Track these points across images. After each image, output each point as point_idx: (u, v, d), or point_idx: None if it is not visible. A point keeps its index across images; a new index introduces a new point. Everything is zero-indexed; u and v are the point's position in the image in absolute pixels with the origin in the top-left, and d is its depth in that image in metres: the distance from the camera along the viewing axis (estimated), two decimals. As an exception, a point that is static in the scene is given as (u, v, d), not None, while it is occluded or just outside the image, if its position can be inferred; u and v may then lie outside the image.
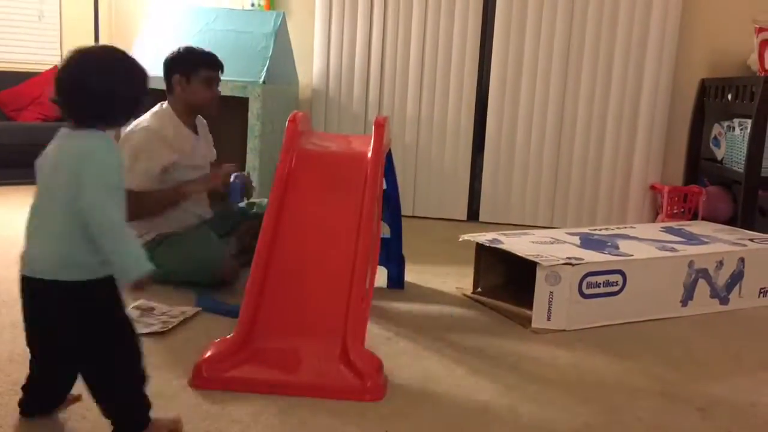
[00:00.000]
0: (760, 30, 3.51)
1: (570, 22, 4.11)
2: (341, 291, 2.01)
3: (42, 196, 1.46)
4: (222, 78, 3.60)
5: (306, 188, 2.21)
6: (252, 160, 3.65)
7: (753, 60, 3.80)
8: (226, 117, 4.24)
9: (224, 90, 3.61)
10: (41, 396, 1.59)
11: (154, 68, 3.63)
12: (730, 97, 3.69)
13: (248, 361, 1.88)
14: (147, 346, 2.04)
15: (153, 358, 1.97)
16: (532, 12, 4.12)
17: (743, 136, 3.44)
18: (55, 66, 4.91)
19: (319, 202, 2.19)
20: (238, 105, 3.78)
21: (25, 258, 1.45)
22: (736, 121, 3.57)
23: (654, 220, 4.12)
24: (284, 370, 1.87)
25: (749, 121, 3.35)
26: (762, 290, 2.83)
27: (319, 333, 1.97)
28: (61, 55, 5.21)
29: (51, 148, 1.49)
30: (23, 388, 1.58)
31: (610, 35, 4.09)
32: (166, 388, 1.79)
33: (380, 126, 2.34)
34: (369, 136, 2.44)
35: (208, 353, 1.87)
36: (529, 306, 2.42)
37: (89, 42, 4.39)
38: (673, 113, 4.17)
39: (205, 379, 1.81)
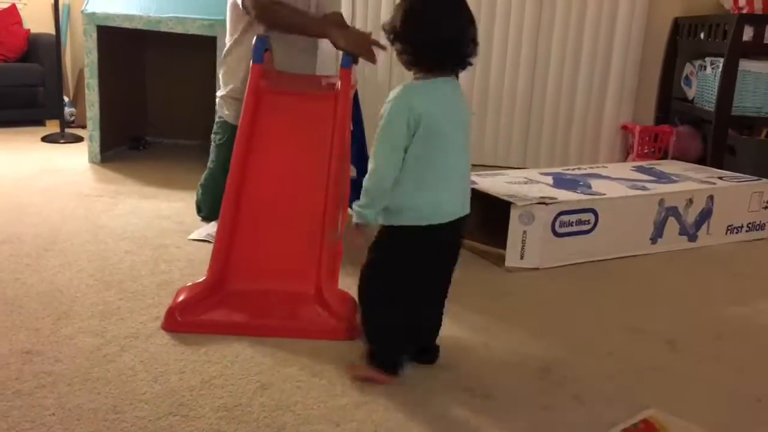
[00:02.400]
0: (735, -33, 3.49)
1: (544, -42, 4.03)
2: (314, 232, 2.01)
3: (461, 146, 1.60)
4: (188, 16, 3.51)
5: (273, 130, 2.17)
6: (221, 102, 3.57)
7: (726, -2, 3.79)
8: (193, 57, 4.15)
9: (191, 29, 3.51)
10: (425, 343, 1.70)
11: (115, 6, 3.53)
12: (702, 35, 3.67)
13: (221, 304, 1.88)
14: (120, 288, 2.04)
15: (124, 302, 1.97)
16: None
17: (714, 75, 3.44)
18: (13, 4, 4.74)
19: (288, 144, 2.17)
20: (207, 44, 3.67)
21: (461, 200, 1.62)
22: (708, 60, 3.57)
23: (625, 159, 4.15)
24: (259, 312, 1.87)
25: (721, 60, 3.35)
26: (729, 227, 2.88)
27: (292, 274, 1.97)
28: (18, -7, 5.00)
29: (453, 99, 1.57)
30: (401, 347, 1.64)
31: (584, -28, 4.03)
32: (141, 329, 1.78)
33: (347, 73, 2.29)
34: (335, 76, 2.40)
35: (181, 297, 1.86)
36: (503, 245, 2.44)
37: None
38: (646, 53, 4.15)
39: (178, 323, 1.80)
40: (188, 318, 1.81)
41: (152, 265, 2.28)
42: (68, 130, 4.41)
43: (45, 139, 4.29)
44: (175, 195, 3.17)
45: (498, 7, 4.11)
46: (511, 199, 2.38)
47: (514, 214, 2.37)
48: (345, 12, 4.08)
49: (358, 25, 4.18)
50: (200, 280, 1.94)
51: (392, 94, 1.55)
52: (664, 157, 3.95)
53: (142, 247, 2.45)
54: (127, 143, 4.13)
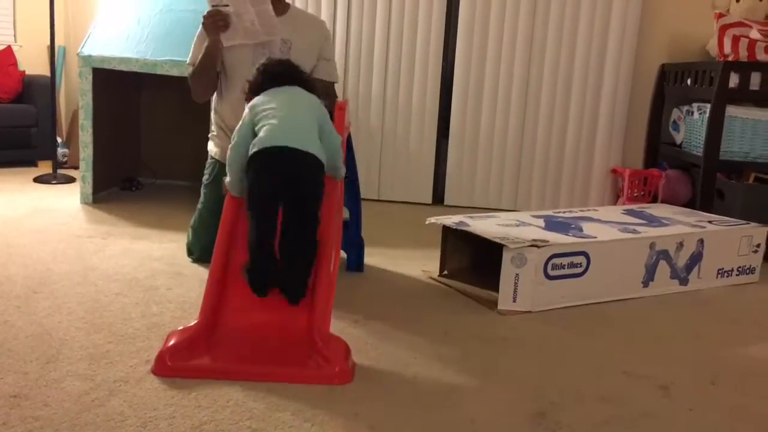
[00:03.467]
0: (720, 16, 3.57)
1: (533, 8, 4.12)
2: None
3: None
4: (184, 59, 3.55)
5: None
6: (215, 144, 3.59)
7: (712, 45, 3.87)
8: (187, 98, 4.18)
9: (185, 71, 3.55)
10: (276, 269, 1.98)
11: (114, 50, 3.57)
12: (689, 81, 3.75)
13: (212, 349, 1.86)
14: (110, 331, 2.02)
15: (114, 345, 1.95)
16: (497, -4, 4.13)
17: (702, 120, 3.50)
18: (9, 46, 4.79)
19: None
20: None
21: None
22: (695, 105, 3.64)
23: (615, 202, 4.19)
24: (250, 357, 1.85)
25: (708, 106, 3.41)
26: (720, 271, 2.90)
27: (283, 318, 1.96)
28: (15, 36, 5.07)
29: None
30: (254, 270, 1.97)
31: (572, 22, 4.12)
32: (131, 373, 1.76)
33: (341, 110, 2.34)
34: None
35: (171, 341, 1.84)
36: (495, 288, 2.44)
37: (44, 23, 4.26)
38: (634, 98, 4.23)
39: (169, 368, 1.77)
40: (179, 363, 1.79)
41: (143, 307, 2.26)
42: (60, 171, 4.42)
43: (37, 179, 4.29)
44: (167, 236, 3.16)
45: (489, 53, 4.18)
46: (503, 242, 2.39)
47: (506, 257, 2.38)
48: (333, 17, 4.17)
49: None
50: (192, 323, 1.93)
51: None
52: (654, 200, 3.99)
53: (133, 289, 2.43)
54: (119, 184, 4.13)
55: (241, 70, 2.58)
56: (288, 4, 2.74)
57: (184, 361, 1.79)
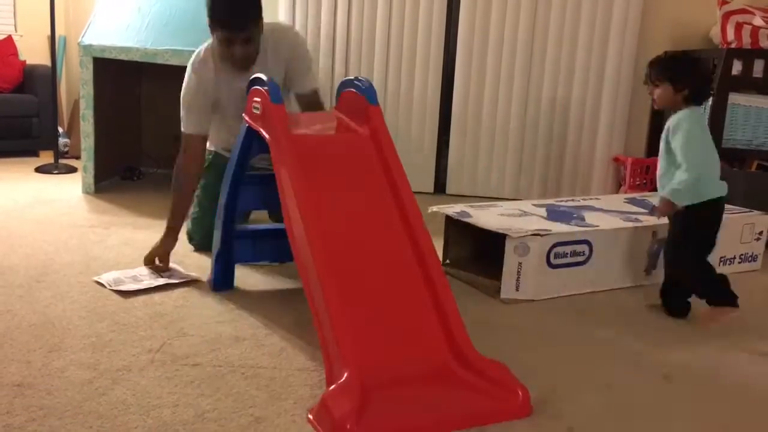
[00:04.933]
0: (723, 3, 3.55)
1: (536, -6, 4.10)
2: (419, 293, 1.78)
3: None
4: (185, 48, 3.53)
5: (319, 185, 1.89)
6: (216, 133, 3.58)
7: (715, 33, 3.84)
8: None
9: (186, 60, 3.52)
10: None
11: (114, 39, 3.56)
12: (692, 69, 3.72)
13: (381, 406, 1.54)
14: (112, 320, 2.02)
15: (117, 334, 1.94)
16: (499, -17, 4.10)
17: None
18: (9, 36, 4.77)
19: (343, 200, 1.91)
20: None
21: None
22: (698, 93, 3.62)
23: (617, 191, 4.18)
24: (426, 409, 1.58)
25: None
26: (722, 258, 2.89)
27: (420, 347, 1.72)
28: (15, 25, 5.05)
29: None
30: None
31: (575, 10, 4.09)
32: (133, 362, 1.76)
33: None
34: (329, 113, 2.37)
35: (342, 407, 1.48)
36: (497, 277, 2.44)
37: (44, 12, 4.24)
38: (636, 87, 4.19)
39: None
40: (363, 429, 1.46)
41: (145, 297, 2.26)
42: (62, 161, 4.41)
43: (39, 169, 4.29)
44: (169, 226, 3.15)
45: (490, 42, 4.16)
46: (506, 231, 2.39)
47: (509, 246, 2.38)
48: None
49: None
50: (342, 380, 1.55)
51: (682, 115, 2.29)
52: (656, 188, 3.96)
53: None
54: (120, 173, 4.13)
55: (232, 104, 2.58)
56: (258, 50, 2.54)
57: (364, 425, 1.48)
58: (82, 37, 3.60)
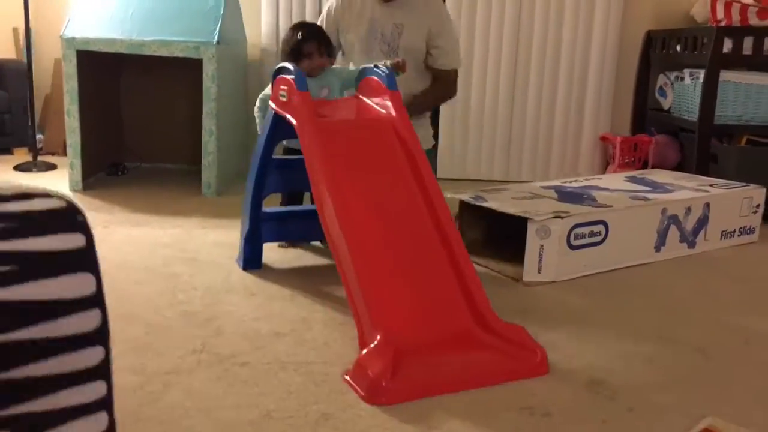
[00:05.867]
0: (710, -18, 3.62)
1: (521, -25, 4.11)
2: (442, 265, 1.89)
3: None
4: (172, 39, 3.45)
5: (346, 162, 2.01)
6: (209, 124, 3.51)
7: (697, 11, 3.92)
8: (173, 78, 4.07)
9: (176, 51, 3.45)
10: None
11: (97, 31, 3.44)
12: (678, 48, 3.79)
13: (411, 367, 1.65)
14: (144, 323, 1.97)
15: (153, 337, 1.90)
16: (484, -34, 4.10)
17: (694, 86, 3.55)
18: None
19: (365, 174, 2.02)
20: (186, 66, 3.61)
21: None
22: (686, 71, 3.69)
23: (605, 170, 4.24)
24: (451, 369, 1.70)
25: (700, 72, 3.46)
26: (723, 232, 2.97)
27: (446, 314, 1.83)
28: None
29: None
30: None
31: (559, -11, 4.13)
32: (180, 364, 1.72)
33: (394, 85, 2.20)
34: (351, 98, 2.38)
35: (376, 366, 1.60)
36: (516, 261, 2.46)
37: (17, 6, 4.07)
38: (621, 66, 4.27)
39: (388, 392, 1.57)
40: (395, 385, 1.58)
41: (169, 296, 2.21)
42: (40, 158, 4.26)
43: (17, 168, 4.13)
44: (169, 222, 3.09)
45: (477, 26, 4.17)
46: (527, 215, 2.40)
47: (531, 229, 2.39)
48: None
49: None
50: (375, 343, 1.66)
51: None
52: (644, 165, 4.05)
53: (152, 278, 2.37)
54: (105, 169, 4.02)
55: (351, 55, 2.77)
56: None
57: (398, 383, 1.59)
58: (64, 29, 3.47)
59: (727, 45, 3.34)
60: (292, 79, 2.09)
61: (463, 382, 1.66)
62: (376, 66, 2.25)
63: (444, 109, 4.27)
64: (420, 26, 2.70)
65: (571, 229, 2.44)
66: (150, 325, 1.97)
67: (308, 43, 2.39)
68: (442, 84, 2.84)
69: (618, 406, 1.62)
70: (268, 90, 2.41)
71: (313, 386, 1.64)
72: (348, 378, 1.66)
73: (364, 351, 1.66)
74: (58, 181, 3.75)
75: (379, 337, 1.66)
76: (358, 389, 1.60)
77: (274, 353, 1.81)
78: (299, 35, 2.41)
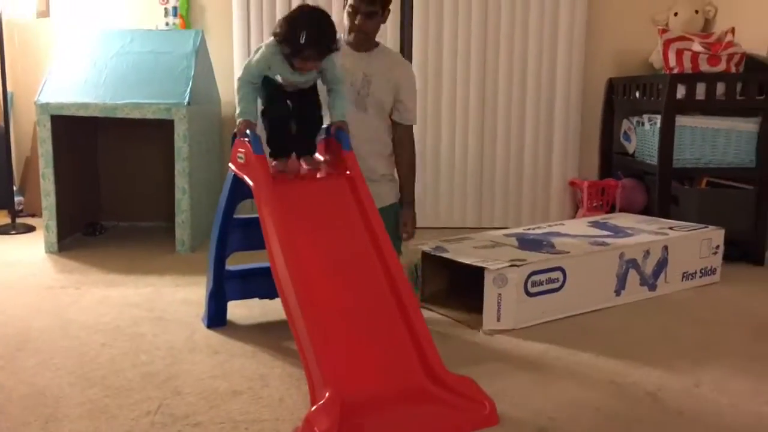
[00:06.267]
0: (663, 31, 3.74)
1: (485, 33, 4.24)
2: (394, 319, 1.95)
3: None
4: (144, 101, 3.54)
5: (299, 226, 2.06)
6: (182, 183, 3.58)
7: (655, 59, 4.05)
8: (148, 139, 4.16)
9: (148, 113, 3.55)
10: None
11: (71, 96, 3.54)
12: (637, 94, 3.91)
13: (360, 423, 1.70)
14: (104, 385, 1.98)
15: (111, 399, 1.92)
16: (448, 22, 4.24)
17: (653, 131, 3.65)
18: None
19: (322, 236, 2.08)
20: (160, 127, 3.69)
21: None
22: (645, 116, 3.79)
23: (575, 214, 4.32)
24: (401, 424, 1.75)
25: (657, 117, 3.57)
26: (684, 274, 3.03)
27: (395, 369, 1.87)
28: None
29: None
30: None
31: (522, 42, 4.25)
32: (134, 426, 1.75)
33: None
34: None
35: (323, 424, 1.63)
36: (476, 310, 2.51)
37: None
38: (585, 112, 4.38)
39: None
40: None
41: (132, 356, 2.24)
42: (18, 220, 4.32)
43: (-5, 230, 4.18)
44: (142, 281, 3.13)
45: (443, 77, 4.28)
46: (483, 264, 2.46)
47: (488, 278, 2.45)
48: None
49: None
50: (323, 399, 1.69)
51: None
52: (612, 209, 4.13)
53: (118, 338, 2.41)
54: (82, 229, 4.07)
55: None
56: (377, 43, 2.80)
57: None
58: (39, 95, 3.56)
59: (681, 91, 3.45)
60: (248, 141, 2.17)
61: None
62: (329, 126, 2.33)
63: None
64: (389, 80, 2.77)
65: (528, 276, 2.50)
66: (109, 387, 2.00)
67: (309, 51, 2.22)
68: (407, 145, 2.88)
69: (562, 454, 1.65)
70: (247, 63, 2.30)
71: (262, 444, 1.67)
72: None
73: (313, 408, 1.70)
74: (35, 244, 3.81)
75: (327, 393, 1.70)
76: None
77: (227, 412, 1.85)
78: (303, 38, 2.17)
